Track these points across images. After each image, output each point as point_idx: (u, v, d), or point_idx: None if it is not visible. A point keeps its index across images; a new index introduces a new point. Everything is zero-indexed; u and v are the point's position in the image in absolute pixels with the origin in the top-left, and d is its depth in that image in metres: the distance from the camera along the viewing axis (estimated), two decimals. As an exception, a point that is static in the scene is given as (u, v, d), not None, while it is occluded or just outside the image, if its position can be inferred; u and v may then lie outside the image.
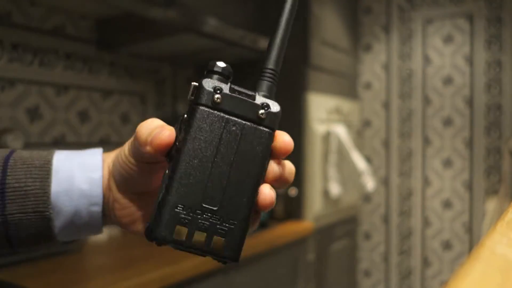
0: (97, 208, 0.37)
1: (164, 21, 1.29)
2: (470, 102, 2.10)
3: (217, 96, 0.29)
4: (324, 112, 1.87)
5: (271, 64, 0.32)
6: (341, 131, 1.87)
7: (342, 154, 1.85)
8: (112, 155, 0.38)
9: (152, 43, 1.46)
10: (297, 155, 1.76)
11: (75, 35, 1.45)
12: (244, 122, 0.30)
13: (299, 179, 1.78)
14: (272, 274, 1.58)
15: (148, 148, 0.31)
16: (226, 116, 0.30)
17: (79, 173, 0.36)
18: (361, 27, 2.33)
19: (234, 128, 0.30)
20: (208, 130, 0.29)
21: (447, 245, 2.14)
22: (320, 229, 1.86)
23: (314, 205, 1.80)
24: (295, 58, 1.79)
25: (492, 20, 2.05)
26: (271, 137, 0.31)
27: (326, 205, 1.88)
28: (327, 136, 1.85)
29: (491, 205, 1.80)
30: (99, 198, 0.36)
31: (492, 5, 2.05)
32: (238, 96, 0.30)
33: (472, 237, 2.09)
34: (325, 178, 1.85)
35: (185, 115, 0.30)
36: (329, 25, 1.94)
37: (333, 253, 1.99)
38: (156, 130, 0.31)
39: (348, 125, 2.06)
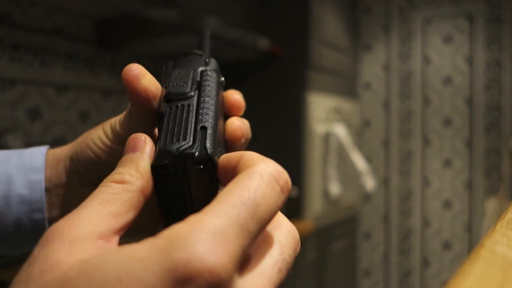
0: (40, 215, 0.32)
1: (164, 21, 1.29)
2: (469, 102, 2.10)
3: None
4: (324, 112, 1.87)
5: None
6: (340, 131, 1.87)
7: (342, 154, 1.86)
8: (67, 149, 0.35)
9: (152, 43, 1.46)
10: (297, 155, 1.76)
11: (75, 35, 1.45)
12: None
13: (299, 179, 1.78)
14: (272, 274, 1.57)
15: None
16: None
17: (18, 176, 0.32)
18: (361, 27, 2.33)
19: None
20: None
21: (446, 245, 2.14)
22: (320, 229, 1.86)
23: (314, 205, 1.80)
24: (295, 58, 1.79)
25: (491, 20, 2.05)
26: (218, 76, 0.31)
27: (326, 205, 1.88)
28: (327, 136, 1.85)
29: (491, 205, 1.80)
30: (41, 204, 0.32)
31: (492, 5, 2.05)
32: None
33: (471, 237, 2.09)
34: (325, 178, 1.85)
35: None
36: (329, 25, 1.94)
37: (333, 253, 1.99)
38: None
39: (348, 125, 2.06)
